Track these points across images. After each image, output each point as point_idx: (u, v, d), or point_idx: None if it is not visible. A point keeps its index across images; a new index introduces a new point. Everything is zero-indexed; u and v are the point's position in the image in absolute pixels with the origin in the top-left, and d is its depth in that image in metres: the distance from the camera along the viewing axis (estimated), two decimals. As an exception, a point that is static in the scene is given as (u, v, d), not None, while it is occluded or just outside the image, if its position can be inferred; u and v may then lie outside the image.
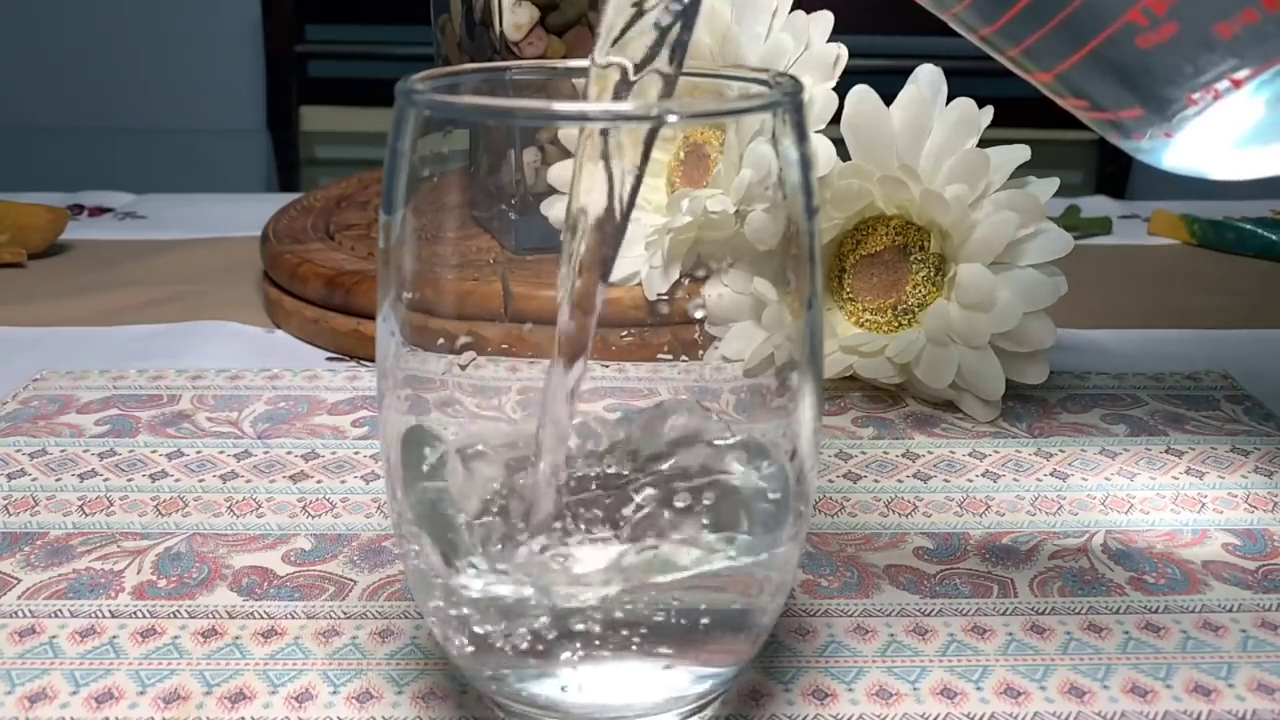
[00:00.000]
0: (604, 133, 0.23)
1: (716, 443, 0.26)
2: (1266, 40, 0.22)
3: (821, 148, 0.41)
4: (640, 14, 0.23)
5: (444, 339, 0.25)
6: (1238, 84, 0.23)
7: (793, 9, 0.41)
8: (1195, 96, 0.23)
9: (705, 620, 0.23)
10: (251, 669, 0.29)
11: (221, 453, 0.40)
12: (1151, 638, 0.30)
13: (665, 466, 0.25)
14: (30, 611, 0.31)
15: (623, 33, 0.23)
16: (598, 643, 0.22)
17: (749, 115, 0.24)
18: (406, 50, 1.08)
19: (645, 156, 0.22)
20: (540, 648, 0.22)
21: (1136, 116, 0.24)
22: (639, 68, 0.23)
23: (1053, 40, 0.24)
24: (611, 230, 0.23)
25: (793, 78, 0.23)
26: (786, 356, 0.24)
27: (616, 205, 0.23)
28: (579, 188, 0.23)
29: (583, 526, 0.23)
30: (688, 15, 0.23)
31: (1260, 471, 0.38)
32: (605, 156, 0.23)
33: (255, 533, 0.35)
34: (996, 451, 0.40)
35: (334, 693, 0.28)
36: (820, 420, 0.24)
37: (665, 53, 0.23)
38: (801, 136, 0.22)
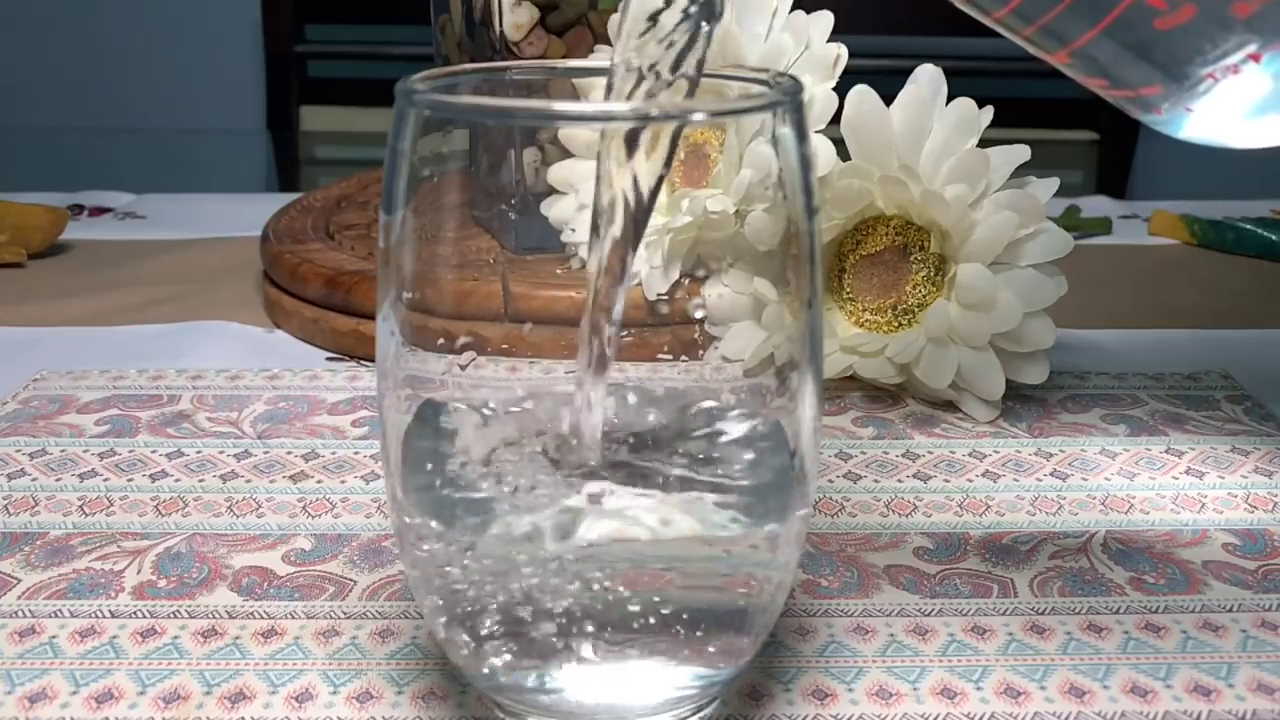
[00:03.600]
0: (616, 133, 0.23)
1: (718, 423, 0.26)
2: None
3: (821, 148, 0.41)
4: (662, 21, 0.23)
5: (444, 339, 0.25)
6: (1257, 59, 0.23)
7: (793, 9, 0.41)
8: (1213, 72, 0.23)
9: (705, 620, 0.23)
10: (251, 669, 0.29)
11: (221, 453, 0.40)
12: (1151, 638, 0.30)
13: (667, 445, 0.25)
14: (30, 611, 0.31)
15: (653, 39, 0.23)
16: (598, 642, 0.22)
17: (749, 115, 0.24)
18: (406, 50, 1.08)
19: (670, 156, 0.22)
20: (540, 646, 0.22)
21: (1156, 93, 0.24)
22: (662, 71, 0.23)
23: (1069, 18, 0.24)
24: (629, 231, 0.23)
25: (793, 78, 0.23)
26: (786, 356, 0.24)
27: (630, 206, 0.23)
28: (594, 187, 0.23)
29: (579, 494, 0.23)
30: (711, 20, 0.23)
31: (1260, 471, 0.38)
32: (618, 157, 0.23)
33: (255, 533, 0.35)
34: (996, 451, 0.40)
35: (334, 693, 0.28)
36: (820, 420, 0.24)
37: (688, 57, 0.23)
38: (801, 136, 0.22)
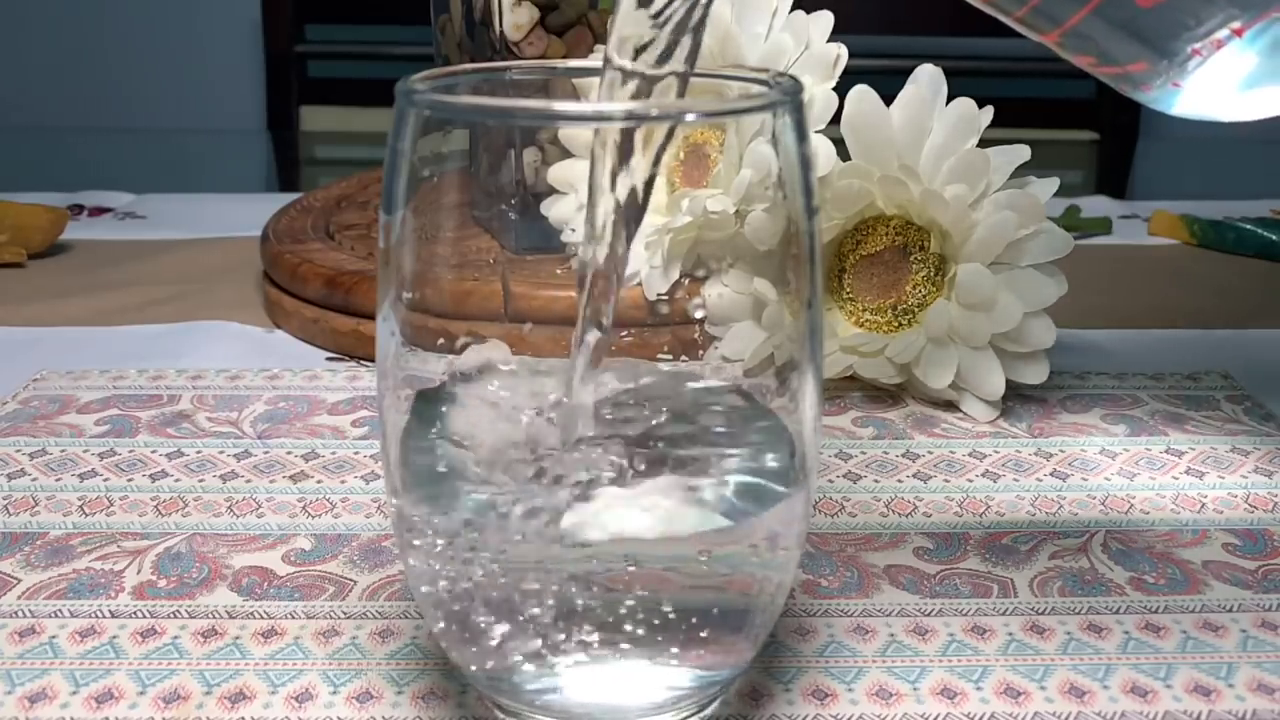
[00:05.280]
0: (612, 133, 0.23)
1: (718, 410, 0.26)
2: None
3: (821, 148, 0.41)
4: (652, 17, 0.23)
5: (444, 339, 0.25)
6: (1239, 33, 0.23)
7: (793, 9, 0.41)
8: (1199, 47, 0.24)
9: (705, 620, 0.23)
10: (251, 669, 0.29)
11: (221, 453, 0.40)
12: (1151, 638, 0.30)
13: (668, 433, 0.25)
14: (30, 611, 0.31)
15: (640, 42, 0.23)
16: (598, 642, 0.22)
17: (749, 115, 0.24)
18: (406, 50, 1.08)
19: (658, 157, 0.23)
20: (539, 646, 0.22)
21: (1144, 69, 0.25)
22: (652, 73, 0.23)
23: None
24: (623, 231, 0.23)
25: (793, 78, 0.23)
26: (786, 356, 0.24)
27: (626, 206, 0.23)
28: (589, 188, 0.23)
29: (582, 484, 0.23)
30: (700, 17, 0.23)
31: (1260, 471, 0.38)
32: (611, 157, 0.23)
33: (255, 533, 0.35)
34: (996, 451, 0.40)
35: (334, 693, 0.28)
36: (820, 420, 0.24)
37: (678, 54, 0.23)
38: (801, 136, 0.22)
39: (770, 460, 0.25)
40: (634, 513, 0.23)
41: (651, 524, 0.23)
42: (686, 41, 0.23)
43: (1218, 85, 0.25)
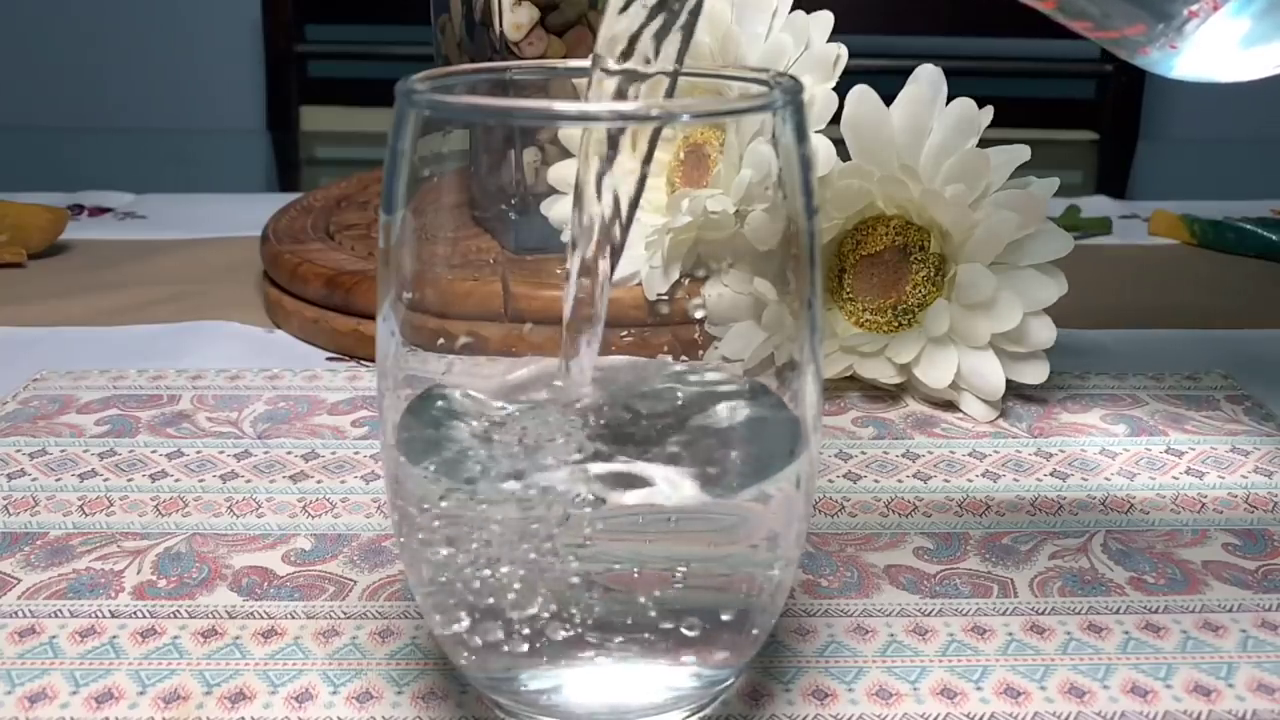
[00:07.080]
0: (606, 133, 0.23)
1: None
2: None
3: (821, 148, 0.41)
4: (643, 15, 0.23)
5: (444, 339, 0.25)
6: None
7: (793, 9, 0.41)
8: (1195, 9, 0.24)
9: (705, 620, 0.23)
10: (251, 669, 0.29)
11: (221, 453, 0.40)
12: (1151, 638, 0.30)
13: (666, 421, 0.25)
14: (30, 611, 0.31)
15: (629, 38, 0.23)
16: (598, 642, 0.22)
17: (749, 115, 0.24)
18: (406, 50, 1.08)
19: (648, 157, 0.23)
20: (540, 646, 0.22)
21: (1141, 32, 0.25)
22: (641, 71, 0.23)
23: None
24: (615, 232, 0.23)
25: (793, 78, 0.23)
26: (786, 356, 0.24)
27: (619, 206, 0.23)
28: (581, 189, 0.23)
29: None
30: (690, 16, 0.23)
31: (1260, 471, 0.38)
32: (606, 157, 0.23)
33: (255, 533, 0.35)
34: (996, 451, 0.40)
35: (334, 693, 0.28)
36: (820, 420, 0.24)
37: (668, 52, 0.23)
38: (801, 136, 0.22)
39: (770, 453, 0.25)
40: (631, 518, 0.23)
41: (649, 531, 0.23)
42: (676, 39, 0.23)
43: (1215, 46, 0.25)
